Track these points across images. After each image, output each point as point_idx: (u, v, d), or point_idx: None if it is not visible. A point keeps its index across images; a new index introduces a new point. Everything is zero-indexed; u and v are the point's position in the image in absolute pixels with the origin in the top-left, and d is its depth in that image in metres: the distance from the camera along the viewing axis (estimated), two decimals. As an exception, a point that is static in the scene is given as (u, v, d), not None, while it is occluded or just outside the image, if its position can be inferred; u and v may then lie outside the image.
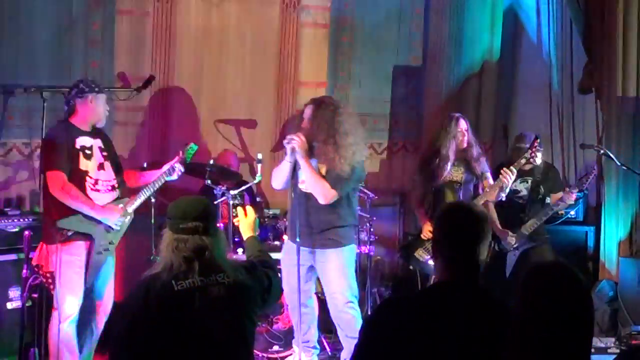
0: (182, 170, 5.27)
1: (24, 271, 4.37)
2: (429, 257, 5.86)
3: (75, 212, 4.81)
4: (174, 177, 5.25)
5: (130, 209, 5.06)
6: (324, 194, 5.10)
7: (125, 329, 3.14)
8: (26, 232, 4.41)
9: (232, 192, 5.79)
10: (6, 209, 5.57)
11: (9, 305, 5.22)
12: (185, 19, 6.61)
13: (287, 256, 5.33)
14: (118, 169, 5.17)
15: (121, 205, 5.02)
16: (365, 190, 6.45)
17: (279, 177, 5.28)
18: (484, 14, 7.66)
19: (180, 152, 5.29)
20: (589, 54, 7.11)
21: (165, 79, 6.54)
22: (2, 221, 5.30)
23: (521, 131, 6.62)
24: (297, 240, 5.11)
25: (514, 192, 6.23)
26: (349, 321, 5.21)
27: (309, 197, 5.17)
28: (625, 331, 6.13)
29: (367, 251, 6.43)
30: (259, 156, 5.76)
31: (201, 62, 6.71)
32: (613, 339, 5.96)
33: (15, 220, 5.35)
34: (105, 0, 6.31)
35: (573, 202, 6.22)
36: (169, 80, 6.57)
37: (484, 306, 2.64)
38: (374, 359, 2.64)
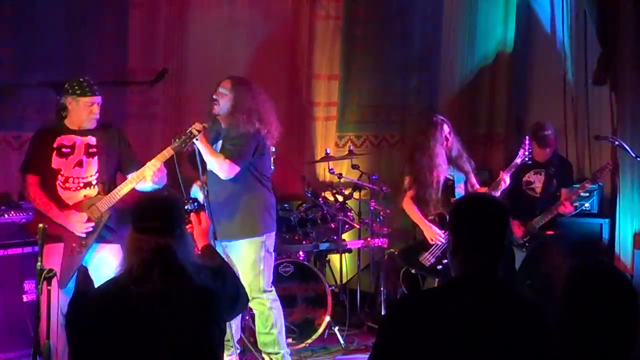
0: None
1: (38, 264, 4.37)
2: (434, 260, 5.77)
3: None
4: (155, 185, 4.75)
5: (104, 207, 4.72)
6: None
7: (81, 337, 2.90)
8: (40, 225, 4.41)
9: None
10: (21, 202, 5.56)
11: (25, 298, 5.23)
12: (197, 12, 6.60)
13: None
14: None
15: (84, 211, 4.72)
16: (379, 183, 6.44)
17: None
18: (498, 5, 7.65)
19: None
20: (603, 46, 7.07)
21: (178, 72, 6.53)
22: (18, 214, 5.31)
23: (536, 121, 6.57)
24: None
25: (527, 184, 6.22)
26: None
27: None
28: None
29: (379, 244, 6.39)
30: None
31: (214, 54, 6.70)
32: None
33: (30, 213, 5.32)
34: (118, -7, 6.32)
35: (586, 195, 6.20)
36: (182, 73, 6.57)
37: (506, 299, 2.59)
38: (392, 359, 2.52)
